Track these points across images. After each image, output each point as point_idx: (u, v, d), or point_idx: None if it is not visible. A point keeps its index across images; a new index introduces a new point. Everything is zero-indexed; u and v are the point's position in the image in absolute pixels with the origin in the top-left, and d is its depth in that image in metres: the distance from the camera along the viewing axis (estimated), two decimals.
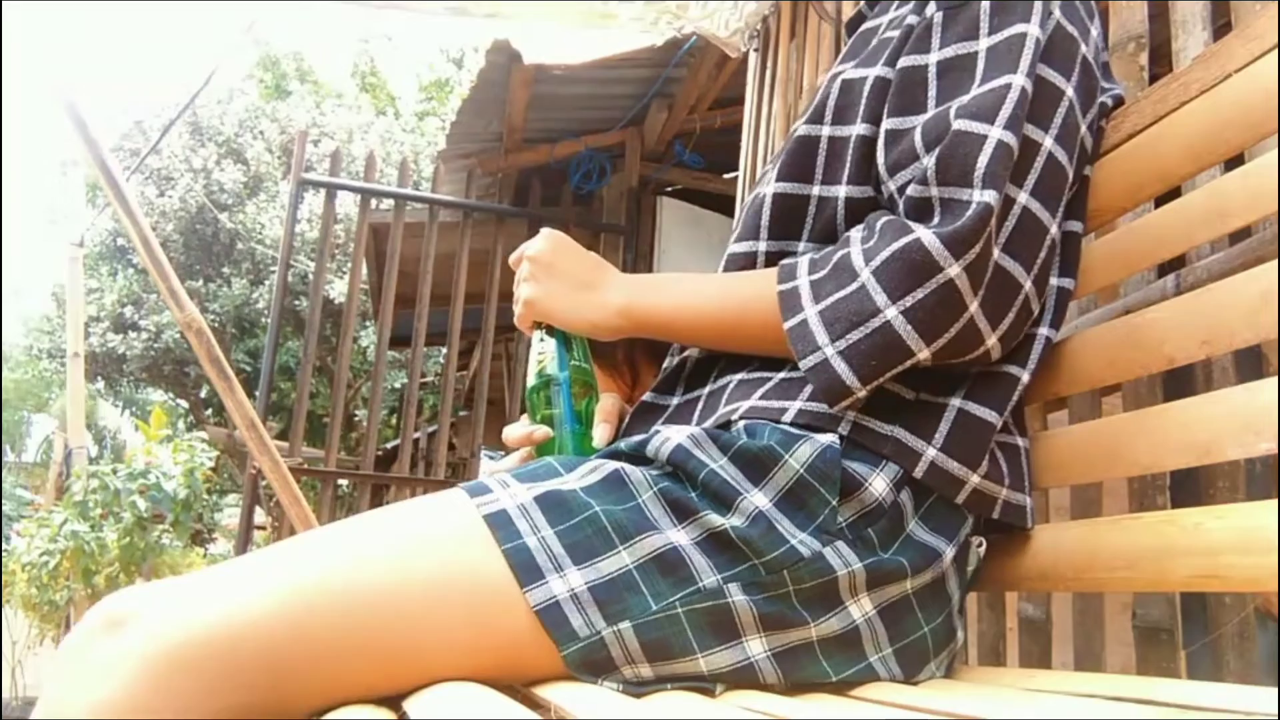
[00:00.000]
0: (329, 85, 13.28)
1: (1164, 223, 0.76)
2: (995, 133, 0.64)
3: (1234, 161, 0.73)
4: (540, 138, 3.99)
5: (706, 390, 0.77)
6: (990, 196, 0.63)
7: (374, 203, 3.77)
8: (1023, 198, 0.67)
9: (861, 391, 0.64)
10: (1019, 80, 0.66)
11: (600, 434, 0.79)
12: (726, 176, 4.13)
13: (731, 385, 0.74)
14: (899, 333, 0.63)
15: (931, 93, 0.70)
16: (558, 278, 0.80)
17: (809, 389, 0.69)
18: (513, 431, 0.81)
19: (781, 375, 0.72)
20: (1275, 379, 0.59)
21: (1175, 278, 1.01)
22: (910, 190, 0.67)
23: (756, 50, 2.31)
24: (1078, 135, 0.73)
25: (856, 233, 0.69)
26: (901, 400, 0.69)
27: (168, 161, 9.72)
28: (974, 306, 0.64)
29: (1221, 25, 0.99)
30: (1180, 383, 0.95)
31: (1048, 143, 0.69)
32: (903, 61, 0.73)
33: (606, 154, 4.08)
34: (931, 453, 0.67)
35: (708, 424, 0.71)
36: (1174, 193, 0.79)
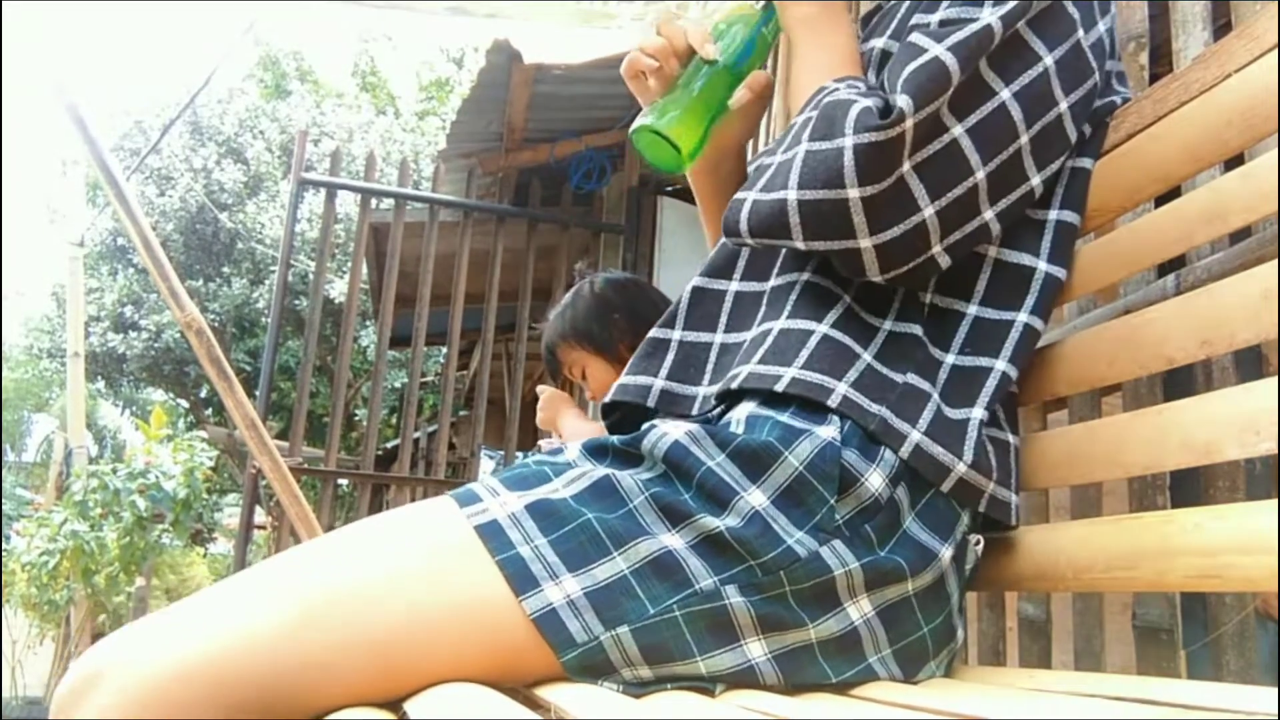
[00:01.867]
0: (329, 85, 13.27)
1: (1164, 223, 0.76)
2: (935, 49, 0.67)
3: (1234, 161, 0.73)
4: (540, 138, 3.99)
5: (719, 340, 0.79)
6: (904, 101, 0.65)
7: (374, 202, 3.77)
8: (957, 130, 0.68)
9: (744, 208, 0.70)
10: (987, 17, 0.68)
11: (739, 95, 0.82)
12: None
13: (745, 345, 0.75)
14: (792, 167, 0.67)
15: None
16: None
17: (805, 354, 0.70)
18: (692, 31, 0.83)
19: (780, 327, 0.73)
20: (1275, 379, 0.59)
21: (1175, 278, 1.01)
22: None
23: None
24: (1048, 108, 0.73)
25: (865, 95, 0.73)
26: (890, 382, 0.70)
27: (168, 161, 9.72)
28: (853, 193, 0.65)
29: (1221, 25, 0.99)
30: (1180, 383, 0.95)
31: (1004, 94, 0.70)
32: (911, 22, 0.74)
33: (606, 154, 4.07)
34: (916, 435, 0.67)
35: (718, 387, 0.73)
36: (1174, 193, 0.79)
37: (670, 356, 0.81)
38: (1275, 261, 0.62)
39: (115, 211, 2.58)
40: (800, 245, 0.69)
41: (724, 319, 0.80)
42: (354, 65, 13.85)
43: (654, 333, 0.83)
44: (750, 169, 0.74)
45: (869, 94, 0.69)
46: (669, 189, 4.29)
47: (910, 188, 0.67)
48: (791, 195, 0.67)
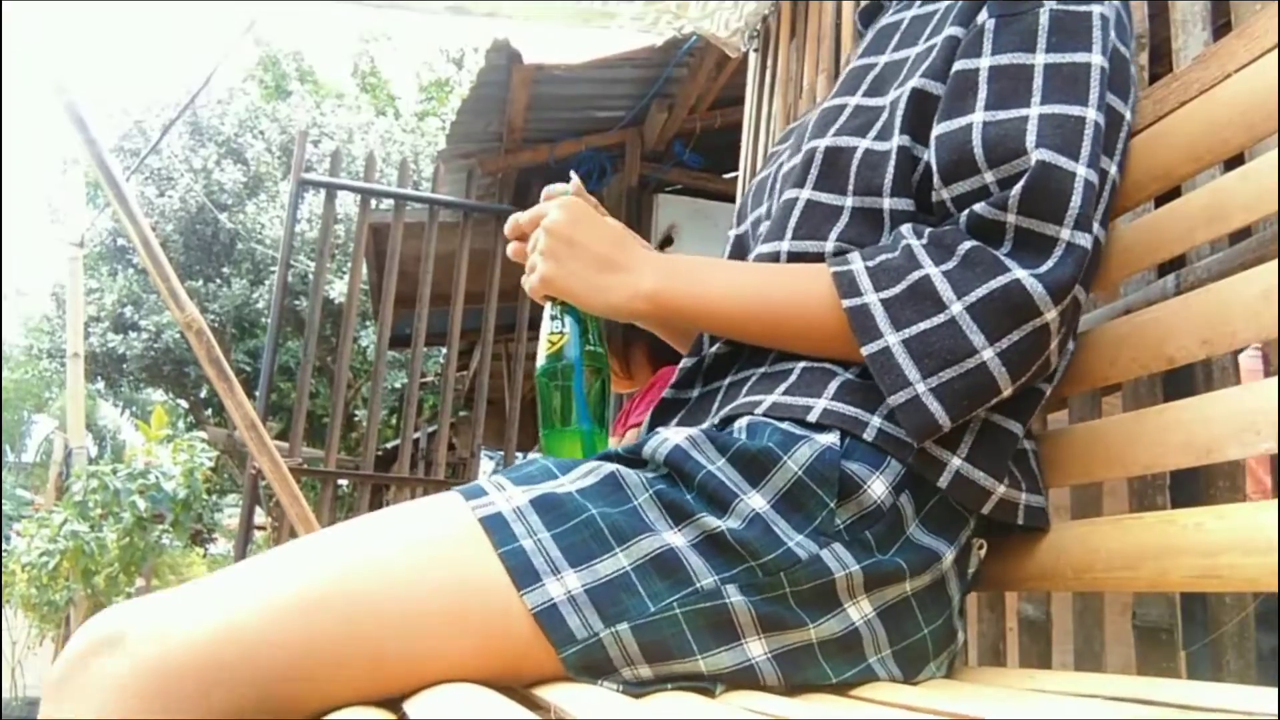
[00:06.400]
0: (329, 85, 13.28)
1: (1164, 223, 0.76)
2: (1082, 171, 0.65)
3: (1234, 161, 0.73)
4: (540, 138, 3.99)
5: (726, 382, 0.77)
6: (1086, 240, 0.64)
7: (374, 203, 3.77)
8: (1095, 229, 0.67)
9: (948, 426, 0.65)
10: (1092, 115, 0.67)
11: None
12: (726, 176, 4.13)
13: (754, 379, 0.74)
14: (993, 373, 0.64)
15: (981, 95, 0.69)
16: (579, 255, 0.74)
17: (833, 385, 0.69)
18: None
19: (803, 365, 0.72)
20: (1275, 379, 0.59)
21: (1175, 278, 1.01)
22: (979, 209, 0.66)
23: (756, 50, 2.31)
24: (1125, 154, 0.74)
25: (920, 248, 0.67)
26: None
27: (168, 161, 9.73)
28: (1054, 344, 0.66)
29: (1221, 25, 0.99)
30: (1180, 383, 0.95)
31: (1112, 171, 0.71)
32: (955, 67, 0.72)
33: (607, 154, 4.07)
34: (956, 462, 0.67)
35: (724, 412, 0.71)
36: (1174, 192, 0.79)
37: (682, 411, 0.80)
38: (1275, 261, 0.62)
39: (115, 211, 2.58)
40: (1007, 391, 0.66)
41: (733, 371, 0.78)
42: (354, 66, 13.86)
43: (666, 394, 0.82)
44: (897, 399, 0.65)
45: (956, 255, 0.65)
46: (669, 188, 4.29)
47: (1080, 299, 0.68)
48: (1008, 391, 0.65)
